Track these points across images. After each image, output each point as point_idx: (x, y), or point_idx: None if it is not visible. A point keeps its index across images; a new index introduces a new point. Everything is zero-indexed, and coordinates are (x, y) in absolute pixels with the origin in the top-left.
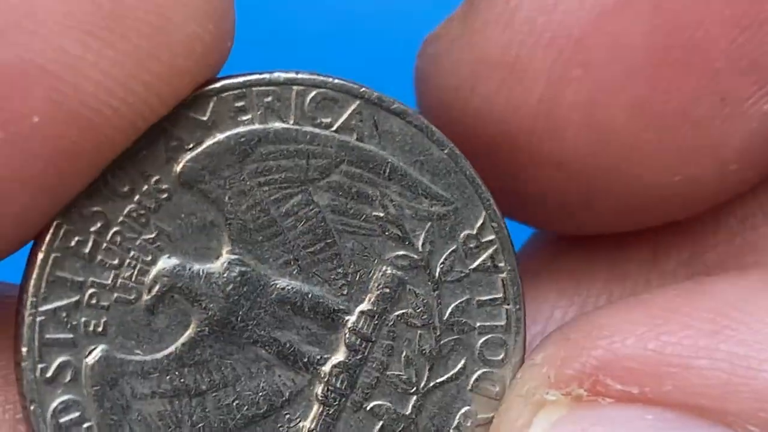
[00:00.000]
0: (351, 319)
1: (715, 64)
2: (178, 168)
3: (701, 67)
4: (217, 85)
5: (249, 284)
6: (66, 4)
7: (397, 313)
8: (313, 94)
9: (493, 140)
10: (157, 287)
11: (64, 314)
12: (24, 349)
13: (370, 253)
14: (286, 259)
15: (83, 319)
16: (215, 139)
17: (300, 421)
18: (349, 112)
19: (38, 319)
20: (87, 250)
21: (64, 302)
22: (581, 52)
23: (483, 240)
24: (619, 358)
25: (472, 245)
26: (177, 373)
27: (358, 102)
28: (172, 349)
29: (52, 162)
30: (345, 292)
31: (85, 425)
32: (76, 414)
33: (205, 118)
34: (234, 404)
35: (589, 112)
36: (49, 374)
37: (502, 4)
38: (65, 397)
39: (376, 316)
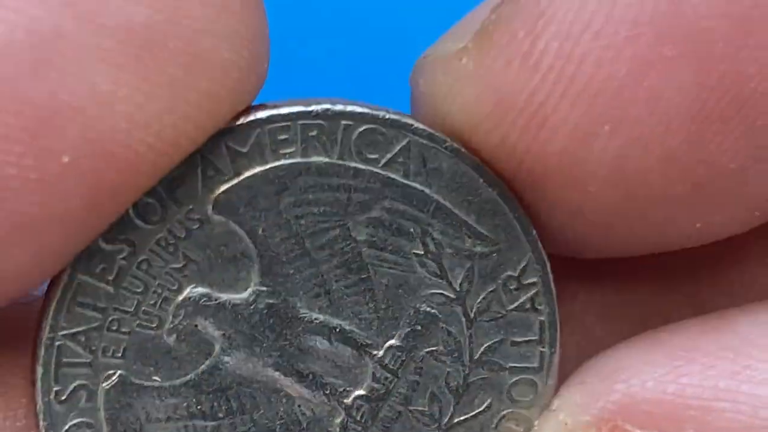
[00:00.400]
0: (378, 353)
1: (756, 121)
2: (213, 198)
3: (743, 122)
4: (262, 116)
5: (276, 316)
6: (96, 37)
7: (426, 349)
8: (362, 129)
9: (506, 178)
10: (181, 316)
11: (83, 338)
12: (40, 370)
13: (404, 290)
14: (317, 292)
15: (103, 344)
16: (254, 171)
17: None
18: (398, 148)
19: (57, 343)
20: (112, 277)
21: (85, 327)
22: (615, 108)
23: (524, 282)
24: (638, 402)
25: (512, 287)
26: (194, 399)
27: (408, 139)
28: (191, 376)
29: (83, 200)
30: (375, 327)
31: None
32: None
33: (245, 150)
34: None
35: (617, 166)
36: (64, 397)
37: (527, 44)
38: (78, 420)
39: (405, 353)
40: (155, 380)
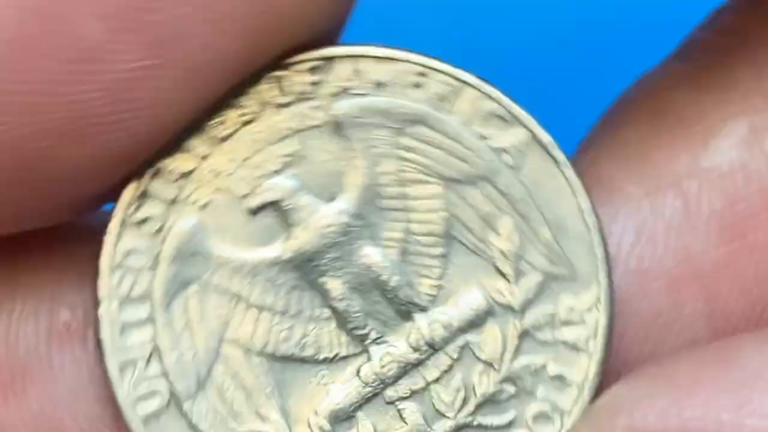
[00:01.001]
0: (424, 319)
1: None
2: (337, 107)
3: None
4: (405, 56)
5: (347, 236)
6: None
7: (470, 338)
8: (489, 106)
9: None
10: (267, 194)
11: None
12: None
13: (473, 272)
14: (395, 237)
15: (190, 187)
16: (383, 99)
17: (331, 385)
18: (514, 140)
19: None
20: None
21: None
22: None
23: (585, 318)
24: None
25: (573, 317)
26: (247, 281)
27: (526, 134)
28: (251, 256)
29: None
30: (431, 293)
31: (145, 270)
32: (142, 258)
33: (382, 78)
34: (281, 334)
35: None
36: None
37: None
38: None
39: (450, 330)
40: (221, 245)
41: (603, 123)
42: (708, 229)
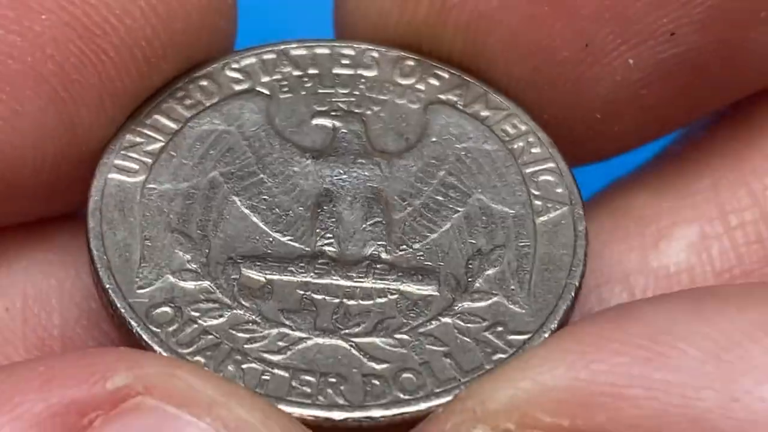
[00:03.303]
0: (382, 256)
1: (581, 9)
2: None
3: (567, 8)
4: None
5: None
6: None
7: (401, 296)
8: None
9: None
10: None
11: None
12: None
13: (446, 259)
14: (411, 200)
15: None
16: None
17: (267, 252)
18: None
19: None
20: None
21: None
22: None
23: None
24: (548, 390)
25: (500, 343)
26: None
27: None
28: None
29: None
30: (400, 250)
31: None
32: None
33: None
34: (263, 195)
35: (469, 37)
36: None
37: None
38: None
39: (391, 278)
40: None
41: None
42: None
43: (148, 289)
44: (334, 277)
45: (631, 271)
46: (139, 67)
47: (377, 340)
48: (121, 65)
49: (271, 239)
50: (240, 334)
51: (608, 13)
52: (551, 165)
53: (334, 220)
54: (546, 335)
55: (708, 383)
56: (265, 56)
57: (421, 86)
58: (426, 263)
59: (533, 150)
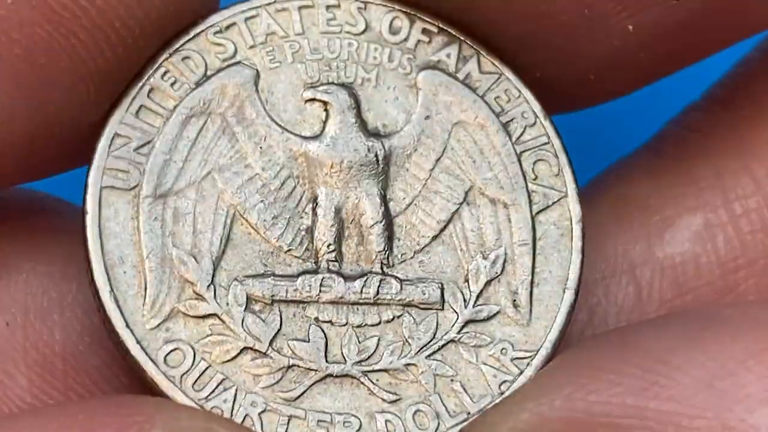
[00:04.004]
0: (381, 275)
1: None
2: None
3: None
4: None
5: (362, 171)
6: None
7: (405, 316)
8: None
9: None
10: (325, 95)
11: None
12: None
13: (447, 268)
14: (403, 198)
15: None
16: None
17: (270, 272)
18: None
19: None
20: None
21: None
22: None
23: (509, 367)
24: (547, 421)
25: (502, 360)
26: (262, 144)
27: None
28: (276, 128)
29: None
30: (402, 260)
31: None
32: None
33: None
34: (260, 203)
35: None
36: None
37: None
38: None
39: (394, 297)
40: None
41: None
42: (657, 315)
43: (157, 328)
44: (339, 295)
45: (636, 262)
46: (114, 47)
47: (387, 375)
48: (93, 47)
49: (273, 252)
50: (252, 372)
51: None
52: (545, 142)
53: (336, 234)
54: (548, 349)
55: (701, 412)
56: (249, 21)
57: (410, 45)
58: (428, 273)
59: (528, 129)
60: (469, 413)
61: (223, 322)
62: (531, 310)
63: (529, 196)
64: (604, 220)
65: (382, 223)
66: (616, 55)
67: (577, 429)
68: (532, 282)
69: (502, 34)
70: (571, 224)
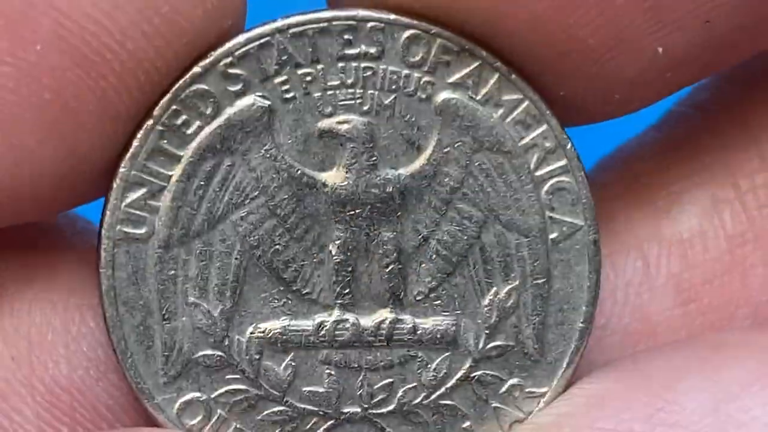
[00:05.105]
0: (395, 314)
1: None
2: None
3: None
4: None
5: (382, 206)
6: None
7: (420, 354)
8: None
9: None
10: (341, 127)
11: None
12: None
13: (460, 303)
14: (420, 230)
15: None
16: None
17: (284, 314)
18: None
19: None
20: None
21: None
22: None
23: (523, 405)
24: None
25: (516, 395)
26: (279, 183)
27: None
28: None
29: (58, 94)
30: (417, 297)
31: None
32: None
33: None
34: (276, 246)
35: (490, 16)
36: None
37: None
38: None
39: (409, 337)
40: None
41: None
42: (665, 290)
43: (172, 383)
44: (356, 344)
45: (644, 237)
46: (142, 87)
47: (400, 417)
48: (122, 89)
49: (286, 293)
50: (269, 420)
51: (643, 2)
52: (565, 171)
53: (350, 274)
54: (562, 386)
55: None
56: (262, 43)
57: (429, 67)
58: (442, 310)
59: (548, 157)
60: None
61: (239, 372)
62: (544, 347)
63: (546, 227)
64: (612, 197)
65: (396, 262)
66: (643, 75)
67: None
68: (546, 317)
69: (529, 55)
70: (588, 257)
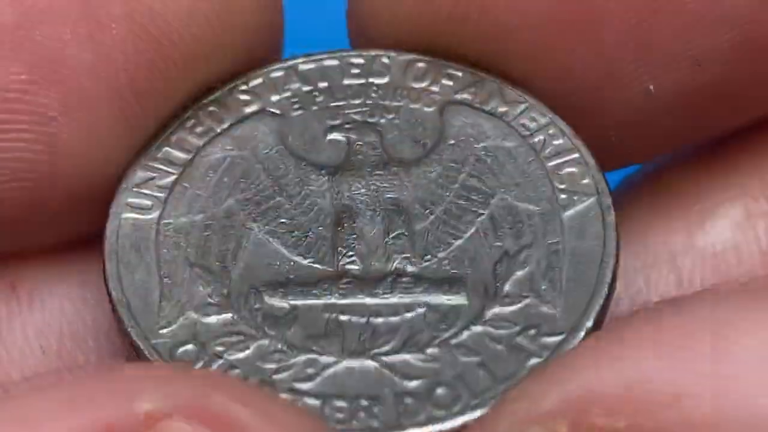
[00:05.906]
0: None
1: (605, 36)
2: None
3: (591, 34)
4: None
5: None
6: None
7: (428, 311)
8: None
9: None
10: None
11: None
12: None
13: (473, 267)
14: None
15: None
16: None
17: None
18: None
19: None
20: None
21: None
22: None
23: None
24: (603, 389)
25: (532, 348)
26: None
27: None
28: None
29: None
30: (427, 261)
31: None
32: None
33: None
34: (280, 219)
35: (487, 49)
36: None
37: None
38: None
39: (417, 291)
40: None
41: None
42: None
43: (170, 329)
44: (359, 296)
45: (677, 251)
46: (197, 74)
47: (408, 357)
48: (186, 73)
49: (292, 263)
50: (267, 365)
51: (632, 40)
52: (575, 156)
53: (355, 236)
54: (581, 334)
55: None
56: (273, 74)
57: (435, 88)
58: (453, 272)
59: (555, 142)
60: (495, 390)
61: (238, 324)
62: (560, 296)
63: (557, 200)
64: (644, 211)
65: (403, 227)
66: (638, 116)
67: (640, 395)
68: (560, 271)
69: (524, 89)
70: (603, 221)
